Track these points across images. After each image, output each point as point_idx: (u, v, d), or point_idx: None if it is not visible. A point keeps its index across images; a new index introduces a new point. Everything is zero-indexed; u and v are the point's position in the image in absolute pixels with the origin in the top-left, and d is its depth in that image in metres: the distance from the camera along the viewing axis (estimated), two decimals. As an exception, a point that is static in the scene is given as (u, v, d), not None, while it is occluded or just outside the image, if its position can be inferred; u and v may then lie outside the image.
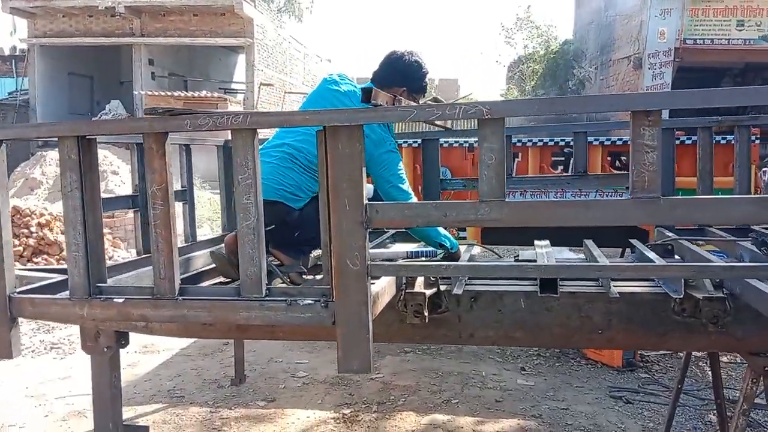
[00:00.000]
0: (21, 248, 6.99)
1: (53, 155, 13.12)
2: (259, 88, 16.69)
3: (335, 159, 1.97)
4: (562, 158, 4.84)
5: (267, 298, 2.11)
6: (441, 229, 2.72)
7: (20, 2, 16.21)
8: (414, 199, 2.71)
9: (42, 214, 7.46)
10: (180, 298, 2.16)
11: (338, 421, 3.60)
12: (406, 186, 2.66)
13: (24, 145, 16.57)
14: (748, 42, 12.67)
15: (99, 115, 16.28)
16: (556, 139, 4.78)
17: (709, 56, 12.95)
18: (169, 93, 14.51)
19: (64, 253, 7.29)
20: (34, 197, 12.01)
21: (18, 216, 7.27)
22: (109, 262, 7.61)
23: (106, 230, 9.28)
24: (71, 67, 18.23)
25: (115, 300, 2.19)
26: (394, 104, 2.17)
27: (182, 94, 14.46)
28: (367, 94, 1.91)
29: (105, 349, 2.74)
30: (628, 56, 13.68)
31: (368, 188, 2.81)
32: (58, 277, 2.77)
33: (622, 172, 4.91)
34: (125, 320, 2.26)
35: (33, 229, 7.20)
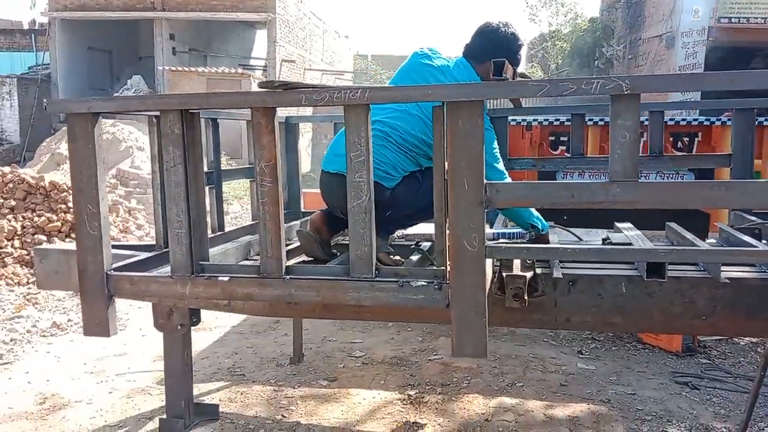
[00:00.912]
0: (59, 224, 6.97)
1: (78, 130, 13.08)
2: (281, 64, 16.53)
3: (455, 136, 1.90)
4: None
5: (378, 279, 2.06)
6: (533, 210, 2.64)
7: (41, -25, 16.06)
8: (508, 179, 2.62)
9: (78, 190, 7.42)
10: (287, 277, 2.11)
11: (405, 403, 3.57)
12: (501, 165, 2.58)
13: (46, 121, 16.56)
14: (786, 21, 12.37)
15: (120, 91, 16.21)
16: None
17: (744, 35, 12.66)
18: (192, 68, 14.39)
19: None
20: (60, 173, 12.01)
21: (56, 191, 7.25)
22: (147, 239, 7.59)
23: (140, 207, 9.27)
24: (91, 42, 18.12)
25: (220, 278, 2.14)
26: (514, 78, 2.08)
27: (206, 70, 14.34)
28: (499, 67, 1.83)
29: (179, 327, 2.71)
30: (660, 35, 13.40)
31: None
32: (134, 255, 2.72)
33: (684, 153, 4.80)
34: (229, 299, 2.21)
35: (71, 204, 7.16)
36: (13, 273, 6.35)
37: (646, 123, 4.44)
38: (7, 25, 22.01)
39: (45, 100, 2.08)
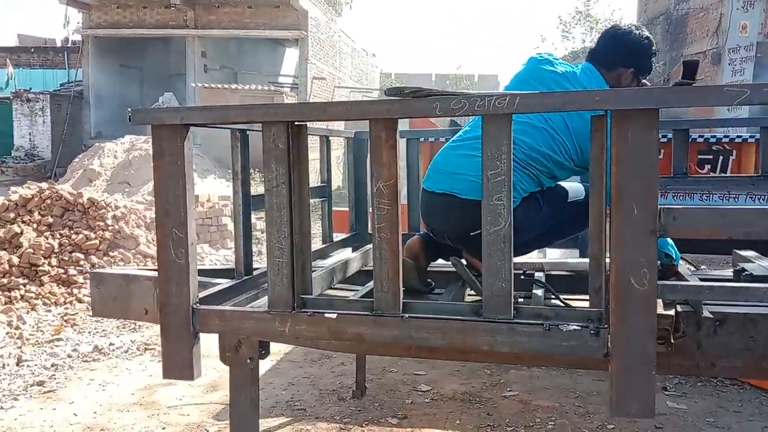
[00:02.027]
0: (97, 242, 6.75)
1: (111, 146, 13.00)
2: (311, 81, 16.40)
3: (622, 152, 1.57)
4: (710, 156, 4.37)
5: (518, 321, 1.73)
6: (669, 238, 2.31)
7: (76, -7, 16.18)
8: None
9: (117, 207, 7.23)
10: (406, 315, 1.80)
11: (489, 447, 3.22)
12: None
13: (78, 137, 16.57)
14: (838, 37, 11.95)
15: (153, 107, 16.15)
16: (706, 135, 4.31)
17: (794, 52, 12.26)
18: (226, 86, 14.28)
19: (141, 247, 7.06)
20: (92, 189, 11.89)
21: (94, 208, 7.04)
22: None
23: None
24: (123, 59, 18.19)
25: (326, 315, 1.83)
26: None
27: (239, 87, 14.22)
28: (693, 69, 1.52)
29: (248, 361, 2.41)
30: (704, 51, 13.03)
31: (576, 187, 2.42)
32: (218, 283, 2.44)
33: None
34: (336, 339, 1.90)
35: (109, 221, 6.96)
36: (50, 292, 6.12)
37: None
38: (41, 43, 22.29)
39: (129, 109, 1.81)
